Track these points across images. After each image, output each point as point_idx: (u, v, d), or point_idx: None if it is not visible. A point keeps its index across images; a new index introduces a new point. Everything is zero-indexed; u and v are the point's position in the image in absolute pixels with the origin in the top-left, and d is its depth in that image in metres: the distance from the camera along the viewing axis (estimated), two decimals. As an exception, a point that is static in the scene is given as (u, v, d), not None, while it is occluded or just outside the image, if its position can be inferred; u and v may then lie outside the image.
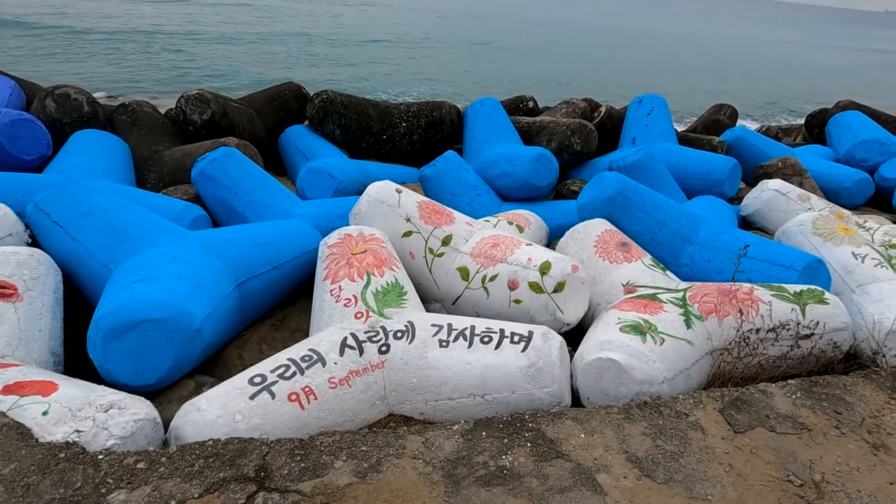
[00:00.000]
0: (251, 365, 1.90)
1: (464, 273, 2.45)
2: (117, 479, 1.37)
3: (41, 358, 1.93)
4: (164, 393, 2.01)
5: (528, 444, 1.58)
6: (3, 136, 3.31)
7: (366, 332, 1.95)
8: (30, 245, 2.38)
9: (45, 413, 1.52)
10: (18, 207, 2.47)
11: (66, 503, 1.30)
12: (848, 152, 5.49)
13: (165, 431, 1.70)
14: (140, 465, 1.42)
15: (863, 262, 2.67)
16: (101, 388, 1.71)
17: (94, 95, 4.23)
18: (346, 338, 1.92)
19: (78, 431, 1.49)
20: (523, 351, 1.85)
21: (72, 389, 1.63)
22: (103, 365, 1.91)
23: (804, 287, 2.28)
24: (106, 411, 1.56)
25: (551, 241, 3.35)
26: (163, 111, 4.55)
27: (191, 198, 3.43)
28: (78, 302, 2.35)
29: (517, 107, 5.77)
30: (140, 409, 1.62)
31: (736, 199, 4.50)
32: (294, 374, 1.77)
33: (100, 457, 1.43)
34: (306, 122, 4.91)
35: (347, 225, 2.62)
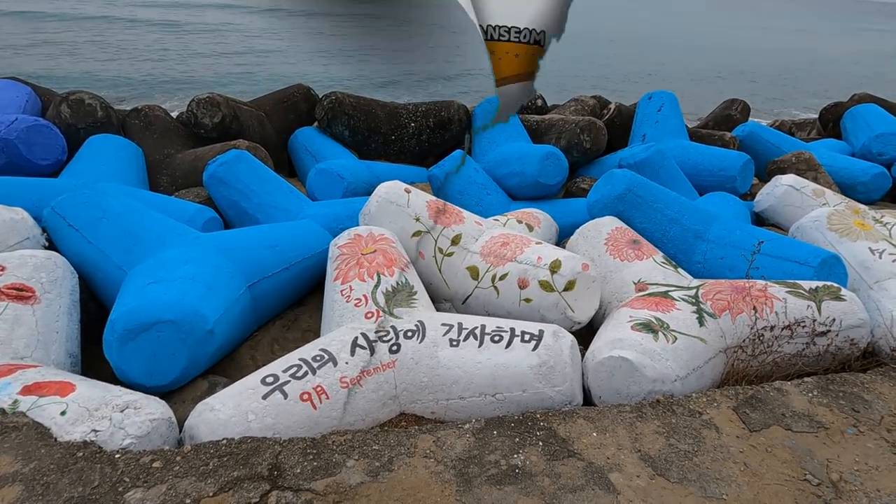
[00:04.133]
0: (263, 365, 1.92)
1: (473, 272, 2.45)
2: (134, 477, 1.39)
3: (59, 359, 1.97)
4: (179, 393, 2.03)
5: (540, 443, 1.57)
6: (20, 142, 3.37)
7: (376, 332, 1.96)
8: (47, 248, 2.42)
9: (63, 413, 1.55)
10: (35, 211, 2.51)
11: (85, 501, 1.32)
12: (864, 146, 5.38)
13: (180, 431, 1.72)
14: (156, 464, 1.44)
15: (880, 257, 2.62)
16: (118, 388, 1.74)
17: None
18: (356, 337, 1.93)
19: (95, 431, 1.52)
20: (534, 350, 1.84)
21: (89, 390, 1.66)
22: (119, 365, 1.95)
23: (820, 283, 2.25)
24: (122, 411, 1.58)
25: (561, 240, 3.33)
26: (174, 115, 4.61)
27: (203, 200, 3.46)
28: (94, 303, 2.39)
29: (526, 105, 5.75)
30: (155, 409, 1.64)
31: (749, 196, 4.44)
32: (306, 373, 1.78)
33: (116, 456, 1.45)
34: (315, 124, 4.94)
35: (357, 225, 2.63)
